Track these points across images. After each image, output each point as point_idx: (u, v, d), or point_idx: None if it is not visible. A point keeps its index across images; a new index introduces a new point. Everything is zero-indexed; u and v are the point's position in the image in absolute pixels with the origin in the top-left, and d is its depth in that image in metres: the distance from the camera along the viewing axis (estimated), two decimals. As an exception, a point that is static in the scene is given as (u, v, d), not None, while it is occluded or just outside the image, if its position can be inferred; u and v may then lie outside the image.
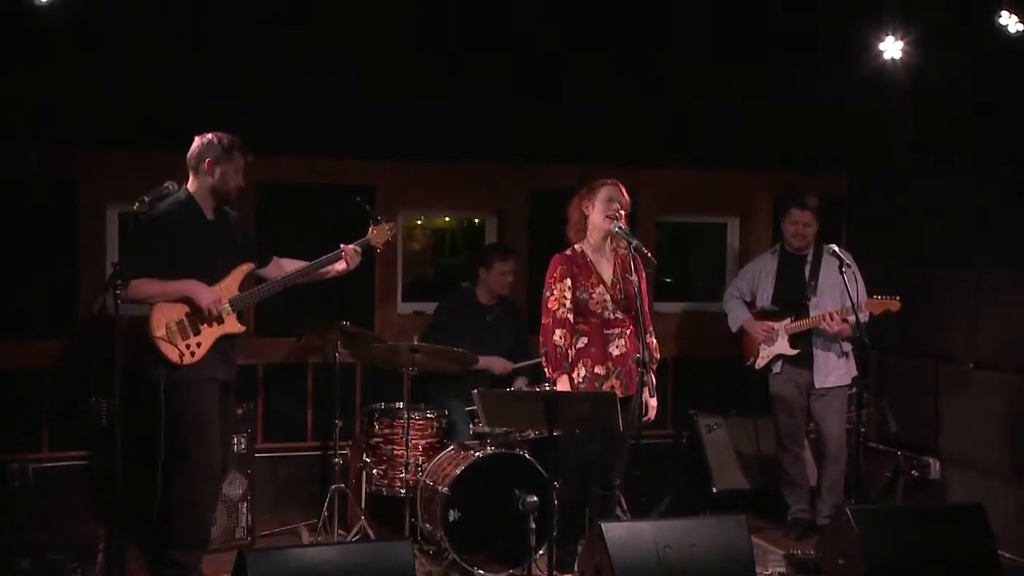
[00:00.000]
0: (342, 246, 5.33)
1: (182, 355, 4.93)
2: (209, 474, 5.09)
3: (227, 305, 5.06)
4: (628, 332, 5.21)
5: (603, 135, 6.82)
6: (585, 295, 5.19)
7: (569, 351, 5.15)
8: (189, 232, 5.00)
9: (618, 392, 5.00)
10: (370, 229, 5.46)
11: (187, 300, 4.97)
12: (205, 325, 5.00)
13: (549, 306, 5.21)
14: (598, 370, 5.16)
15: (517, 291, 6.64)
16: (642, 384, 4.90)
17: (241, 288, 5.16)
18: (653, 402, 5.17)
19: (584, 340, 5.19)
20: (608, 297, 5.20)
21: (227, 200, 5.16)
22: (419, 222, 7.49)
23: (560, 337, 5.13)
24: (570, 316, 5.18)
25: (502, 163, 6.83)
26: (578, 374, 5.16)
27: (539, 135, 6.76)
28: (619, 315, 5.21)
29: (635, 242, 5.03)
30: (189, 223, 5.01)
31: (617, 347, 5.20)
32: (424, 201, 7.00)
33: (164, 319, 4.92)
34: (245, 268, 5.19)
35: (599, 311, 5.19)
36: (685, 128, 6.97)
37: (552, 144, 6.76)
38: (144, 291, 4.88)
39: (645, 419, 5.12)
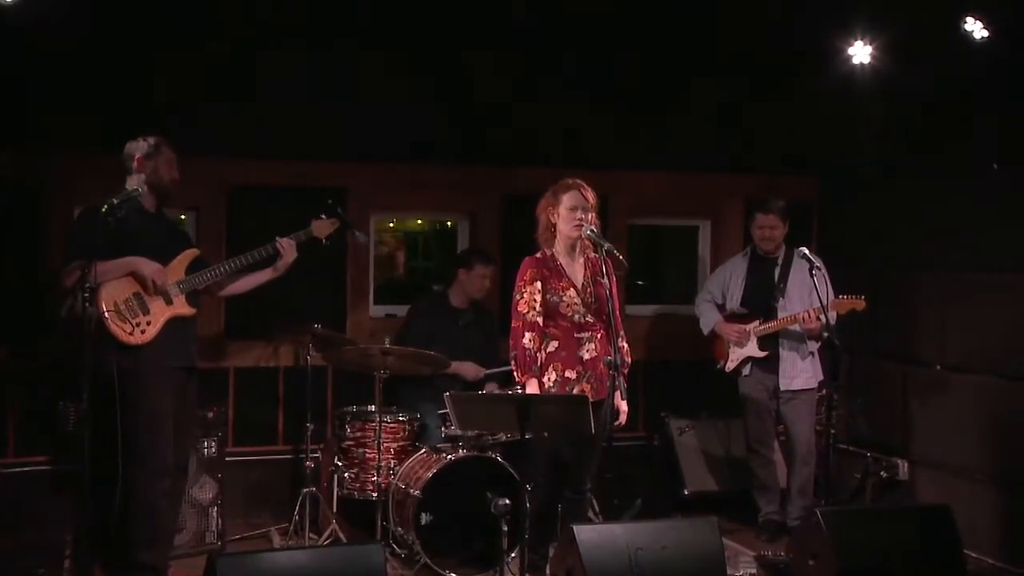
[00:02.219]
0: (277, 238, 5.40)
1: (131, 332, 4.96)
2: (164, 469, 5.08)
3: (175, 285, 5.13)
4: (599, 336, 5.20)
5: (576, 138, 6.80)
6: (556, 298, 5.16)
7: (539, 355, 5.12)
8: (131, 222, 5.06)
9: (589, 397, 4.89)
10: (312, 222, 5.53)
11: (134, 278, 5.02)
12: (154, 304, 5.06)
13: (519, 309, 5.18)
14: (569, 374, 5.13)
15: (488, 295, 6.61)
16: (613, 388, 4.91)
17: (187, 273, 5.23)
18: (624, 406, 5.16)
19: (555, 344, 5.17)
20: (579, 301, 5.17)
21: (166, 194, 5.25)
22: (391, 224, 7.47)
23: (529, 340, 5.11)
24: (540, 319, 5.15)
25: (475, 166, 6.81)
26: (548, 378, 5.13)
27: (512, 137, 6.74)
28: (590, 319, 5.19)
29: (607, 245, 5.03)
30: (135, 215, 5.10)
31: (588, 351, 5.17)
32: (397, 204, 7.00)
33: (112, 297, 4.97)
34: (190, 254, 5.28)
35: (570, 314, 5.17)
36: (658, 131, 6.96)
37: (525, 147, 6.75)
38: None
39: (616, 423, 5.11)
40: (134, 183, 5.14)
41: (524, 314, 5.17)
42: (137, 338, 4.98)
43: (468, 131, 6.70)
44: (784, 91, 6.72)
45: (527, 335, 5.13)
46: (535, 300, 5.17)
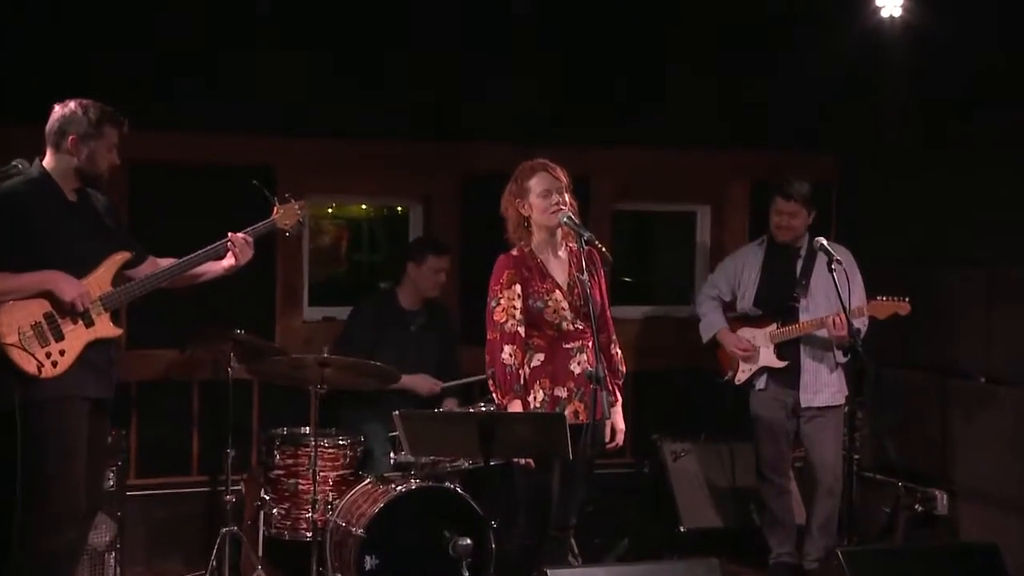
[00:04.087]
0: (230, 235, 5.10)
1: (41, 365, 4.62)
2: (71, 518, 4.80)
3: (98, 302, 4.78)
4: (591, 345, 5.10)
5: (549, 108, 6.75)
6: (540, 303, 5.08)
7: (521, 371, 5.04)
8: (47, 216, 4.72)
9: (582, 417, 4.92)
10: (275, 208, 5.27)
11: (46, 296, 4.66)
12: (70, 327, 4.70)
13: (495, 319, 5.07)
14: (559, 392, 5.05)
15: (446, 295, 6.58)
16: (595, 405, 4.82)
17: (115, 283, 4.87)
18: (621, 424, 5.14)
19: (540, 357, 5.08)
20: (566, 304, 5.09)
21: (96, 183, 4.91)
22: (330, 211, 7.39)
23: (510, 355, 5.01)
24: (521, 329, 5.06)
25: (429, 141, 6.73)
26: (535, 397, 5.05)
27: (474, 108, 6.68)
28: (580, 325, 5.11)
29: (587, 235, 4.93)
30: (46, 206, 4.73)
31: (579, 363, 5.08)
32: (336, 186, 6.86)
33: (16, 323, 4.60)
34: (119, 258, 4.90)
35: (557, 322, 5.08)
36: (646, 101, 6.91)
37: (489, 119, 6.68)
38: None
39: (612, 445, 5.09)
40: (55, 164, 4.75)
41: (502, 324, 5.06)
42: (47, 372, 4.63)
43: (421, 100, 6.62)
44: (797, 51, 6.69)
45: (506, 349, 5.02)
46: (514, 307, 5.07)
